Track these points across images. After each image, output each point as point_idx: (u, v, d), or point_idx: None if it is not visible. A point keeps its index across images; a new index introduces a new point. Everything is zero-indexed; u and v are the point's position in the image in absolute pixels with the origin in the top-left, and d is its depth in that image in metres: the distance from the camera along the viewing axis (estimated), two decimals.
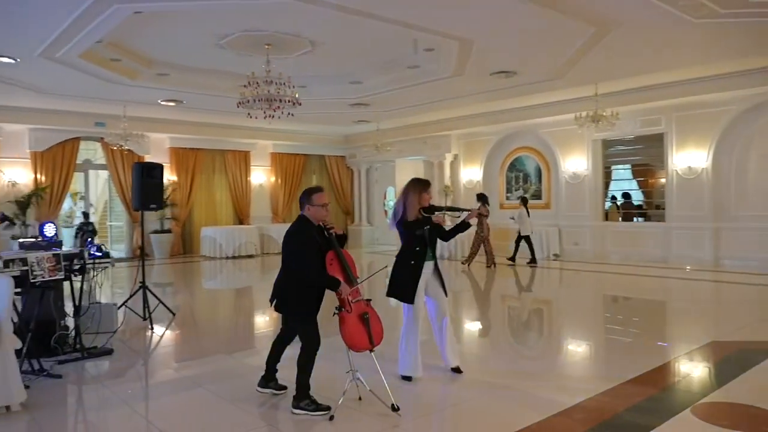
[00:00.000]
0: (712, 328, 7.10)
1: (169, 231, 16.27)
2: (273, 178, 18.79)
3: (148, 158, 16.04)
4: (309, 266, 4.10)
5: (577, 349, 6.49)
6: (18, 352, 4.99)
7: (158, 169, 7.45)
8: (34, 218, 14.20)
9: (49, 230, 6.14)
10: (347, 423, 3.99)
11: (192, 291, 11.36)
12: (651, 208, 14.53)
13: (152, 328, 7.06)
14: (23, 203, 13.80)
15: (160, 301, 7.80)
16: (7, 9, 6.49)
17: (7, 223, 5.44)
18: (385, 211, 19.32)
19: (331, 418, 4.02)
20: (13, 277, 4.84)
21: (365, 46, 9.07)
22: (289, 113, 8.90)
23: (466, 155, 16.90)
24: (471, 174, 16.75)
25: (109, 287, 11.07)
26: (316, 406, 4.10)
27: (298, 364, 4.19)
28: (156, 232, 16.01)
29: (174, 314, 7.84)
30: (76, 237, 15.08)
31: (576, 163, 14.27)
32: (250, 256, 16.20)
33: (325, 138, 19.19)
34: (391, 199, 19.06)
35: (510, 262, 13.40)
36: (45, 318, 5.87)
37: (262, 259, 16.09)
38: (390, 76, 10.61)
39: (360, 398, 4.31)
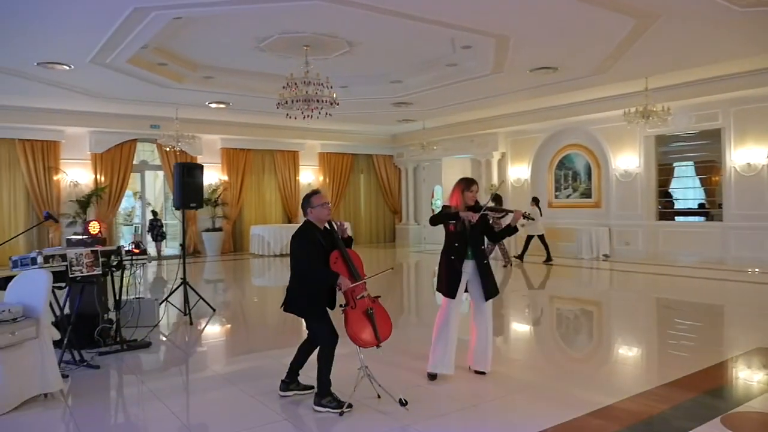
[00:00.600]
0: (762, 334, 6.71)
1: (220, 229, 16.77)
2: (321, 178, 19.04)
3: (200, 159, 16.61)
4: (308, 262, 4.20)
5: (619, 350, 6.34)
6: (59, 343, 5.32)
7: (198, 169, 7.69)
8: (94, 216, 14.94)
9: (94, 228, 6.42)
10: (361, 420, 4.02)
11: (239, 287, 11.67)
12: (714, 207, 13.85)
13: (191, 323, 7.30)
14: (84, 202, 14.54)
15: (201, 297, 8.05)
16: (58, 18, 6.86)
17: (52, 220, 5.69)
18: (432, 210, 19.23)
19: (341, 414, 4.07)
20: (54, 272, 5.15)
21: (402, 46, 9.07)
22: (327, 113, 9.00)
23: (513, 153, 16.61)
24: (519, 172, 16.45)
25: (162, 283, 11.53)
26: (338, 404, 4.15)
27: (318, 361, 4.26)
28: (207, 230, 16.54)
29: (214, 310, 8.07)
30: (149, 233, 15.81)
31: (627, 160, 13.78)
32: None
33: (373, 137, 19.29)
34: (438, 198, 18.97)
35: (518, 260, 13.76)
36: (88, 311, 6.21)
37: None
38: (430, 74, 10.57)
39: (379, 396, 4.33)
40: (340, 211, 19.30)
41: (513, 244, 14.72)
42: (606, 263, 13.35)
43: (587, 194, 14.94)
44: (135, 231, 18.12)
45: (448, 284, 4.76)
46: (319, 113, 8.88)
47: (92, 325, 6.02)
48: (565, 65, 9.52)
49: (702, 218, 14.05)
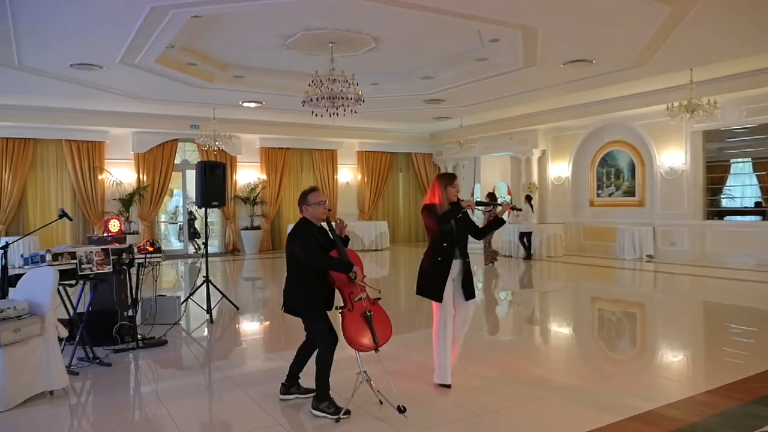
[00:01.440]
0: None
1: (258, 228, 16.95)
2: (359, 176, 19.00)
3: (239, 158, 16.89)
4: (314, 255, 4.07)
5: (662, 354, 6.07)
6: (77, 340, 5.40)
7: (220, 167, 7.70)
8: (136, 215, 15.37)
9: (114, 226, 6.52)
10: (358, 427, 3.90)
11: (276, 285, 11.68)
12: None
13: (211, 322, 7.32)
14: (126, 201, 14.96)
15: (224, 296, 8.09)
16: (83, 20, 7.01)
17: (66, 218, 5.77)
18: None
19: (338, 420, 3.94)
20: (68, 270, 5.23)
21: (429, 41, 8.87)
22: (352, 110, 8.90)
23: (554, 150, 16.11)
24: (559, 170, 15.94)
25: (194, 281, 11.69)
26: (335, 409, 4.03)
27: (316, 363, 4.15)
28: (246, 228, 16.74)
29: (237, 308, 8.09)
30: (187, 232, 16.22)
31: (673, 156, 13.11)
32: None
33: (411, 136, 19.10)
34: (478, 197, 18.60)
35: (528, 260, 14.02)
36: (105, 309, 6.32)
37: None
38: (459, 70, 10.31)
39: (381, 402, 4.19)
40: (378, 210, 19.22)
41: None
42: (650, 264, 12.75)
43: (630, 192, 14.32)
44: (179, 229, 18.59)
45: (438, 287, 4.53)
46: (344, 111, 8.78)
47: (110, 322, 6.10)
48: (601, 58, 9.08)
49: (759, 218, 13.24)
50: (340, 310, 4.15)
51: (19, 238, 6.47)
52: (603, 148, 14.94)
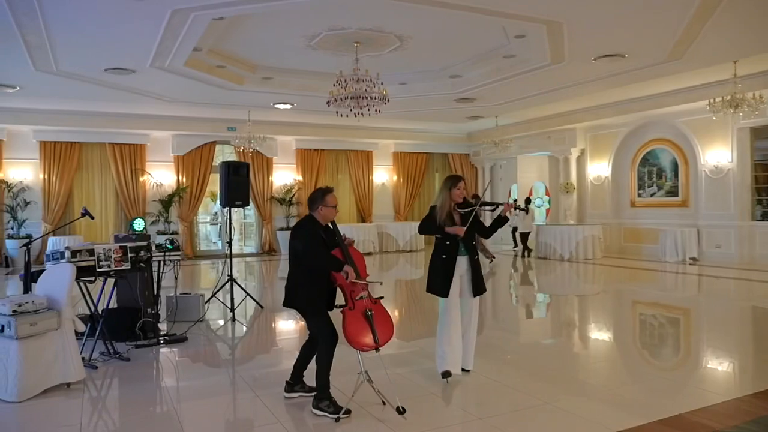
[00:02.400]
0: None
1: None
2: (395, 177, 18.96)
3: (276, 159, 17.12)
4: (313, 251, 4.06)
5: (700, 358, 5.86)
6: (98, 335, 5.56)
7: (244, 167, 7.80)
8: (176, 216, 15.77)
9: (138, 225, 6.68)
10: (357, 428, 3.86)
11: None
12: None
13: (234, 320, 7.41)
14: (166, 202, 15.36)
15: (248, 295, 8.18)
16: (111, 26, 7.22)
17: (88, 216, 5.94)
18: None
19: (337, 419, 3.91)
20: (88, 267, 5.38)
21: (453, 38, 8.76)
22: (377, 110, 8.87)
23: (593, 149, 15.67)
24: (599, 170, 15.49)
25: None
26: (335, 408, 4.00)
27: (315, 362, 4.14)
28: (282, 229, 16.93)
29: (262, 307, 8.17)
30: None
31: (718, 155, 12.54)
32: (368, 254, 16.49)
33: (447, 136, 18.94)
34: (515, 197, 18.28)
35: (527, 257, 14.72)
36: (129, 305, 6.48)
37: (381, 256, 16.31)
38: (488, 67, 10.14)
39: (384, 403, 4.13)
40: (414, 211, 19.13)
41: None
42: (693, 267, 12.22)
43: (673, 192, 13.77)
44: (220, 229, 18.99)
45: (442, 283, 4.63)
46: (369, 110, 8.76)
47: (133, 318, 6.25)
48: (633, 52, 8.75)
49: None
50: (342, 309, 4.12)
51: (37, 237, 6.68)
52: (644, 146, 14.43)
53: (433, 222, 4.67)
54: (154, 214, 15.29)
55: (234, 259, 7.80)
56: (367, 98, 8.68)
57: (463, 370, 4.79)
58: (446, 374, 4.62)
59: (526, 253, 14.91)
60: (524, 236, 15.12)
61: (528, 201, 16.12)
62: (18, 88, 10.44)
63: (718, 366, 5.54)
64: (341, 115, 8.91)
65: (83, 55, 8.34)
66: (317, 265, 4.09)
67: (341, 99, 8.64)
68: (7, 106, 12.74)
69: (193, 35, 7.47)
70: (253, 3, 6.54)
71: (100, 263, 5.30)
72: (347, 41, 8.71)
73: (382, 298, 4.33)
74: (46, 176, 14.42)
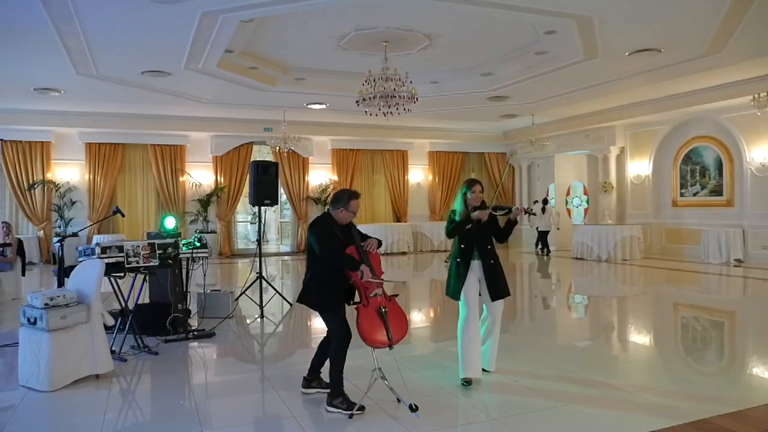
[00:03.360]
0: None
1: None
2: (430, 177, 18.90)
3: (311, 159, 17.31)
4: (329, 248, 4.08)
5: (742, 363, 5.68)
6: (130, 329, 5.74)
7: (273, 167, 7.91)
8: (214, 215, 16.12)
9: (170, 223, 6.85)
10: (369, 424, 3.86)
11: None
12: None
13: (262, 317, 7.53)
14: (204, 202, 15.72)
15: (277, 292, 8.30)
16: (145, 29, 7.45)
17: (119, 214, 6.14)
18: (545, 208, 18.23)
19: (351, 416, 3.94)
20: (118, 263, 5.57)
21: (483, 36, 8.68)
22: (406, 109, 8.87)
23: (633, 148, 15.26)
24: (639, 168, 15.08)
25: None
26: (348, 405, 4.02)
27: (329, 358, 4.18)
28: None
29: (291, 305, 8.27)
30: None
31: (765, 152, 12.03)
32: (403, 253, 16.50)
33: (483, 135, 18.76)
34: (553, 197, 17.96)
35: (546, 255, 15.42)
36: (160, 300, 6.67)
37: (415, 256, 16.29)
38: (520, 64, 9.99)
39: (399, 401, 4.13)
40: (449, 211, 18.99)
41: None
42: (738, 269, 11.77)
43: (717, 191, 13.28)
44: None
45: (454, 286, 4.64)
46: (398, 109, 8.76)
47: (164, 314, 6.43)
48: (669, 46, 8.48)
49: None
50: (356, 306, 4.14)
51: (69, 234, 6.92)
52: (686, 144, 13.97)
53: (458, 220, 4.61)
54: (193, 213, 15.68)
55: (271, 258, 7.88)
56: (396, 97, 8.68)
57: (483, 370, 4.74)
58: (466, 382, 4.56)
59: (545, 252, 15.65)
60: (543, 235, 15.84)
61: (546, 201, 16.43)
62: (62, 92, 10.86)
63: (759, 371, 5.33)
64: (370, 115, 8.93)
65: (120, 58, 8.63)
66: (332, 262, 4.11)
67: (370, 98, 8.67)
68: (54, 109, 13.31)
69: (223, 37, 7.64)
70: (280, 4, 6.63)
71: (129, 259, 5.47)
72: (376, 41, 8.73)
73: (397, 296, 4.33)
74: (91, 176, 14.97)
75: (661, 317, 8.02)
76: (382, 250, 14.15)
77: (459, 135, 18.44)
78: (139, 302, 6.66)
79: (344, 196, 4.21)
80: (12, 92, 10.89)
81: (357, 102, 8.90)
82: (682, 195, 14.17)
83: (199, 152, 16.06)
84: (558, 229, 16.54)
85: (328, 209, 4.33)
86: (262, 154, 17.40)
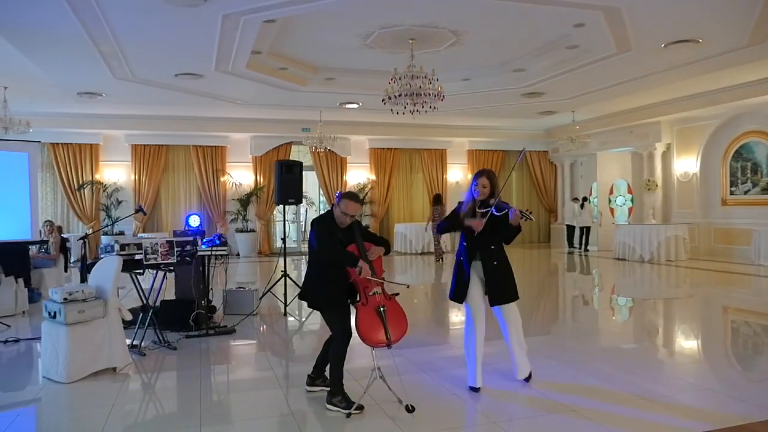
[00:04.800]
0: None
1: (367, 227, 17.26)
2: (470, 176, 18.66)
3: (349, 159, 17.39)
4: (326, 245, 4.07)
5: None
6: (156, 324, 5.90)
7: (297, 166, 7.98)
8: (254, 214, 16.42)
9: (194, 221, 7.02)
10: (366, 424, 3.84)
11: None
12: None
13: (285, 315, 7.60)
14: (244, 201, 16.04)
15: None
16: (172, 33, 7.64)
17: (142, 212, 6.32)
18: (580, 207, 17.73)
19: (348, 415, 3.92)
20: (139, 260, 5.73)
21: (510, 31, 8.49)
22: (433, 107, 8.78)
23: (679, 144, 14.63)
24: (686, 166, 14.46)
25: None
26: (347, 404, 4.01)
27: (329, 357, 4.18)
28: None
29: None
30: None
31: None
32: (433, 253, 16.36)
33: (524, 132, 18.39)
34: (596, 197, 17.45)
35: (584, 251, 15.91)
36: (185, 298, 6.84)
37: (451, 256, 16.11)
38: (551, 59, 9.72)
39: (400, 401, 4.09)
40: None
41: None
42: None
43: None
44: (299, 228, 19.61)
45: (455, 288, 4.46)
46: (424, 107, 8.69)
47: (188, 310, 6.58)
48: (708, 36, 8.05)
49: None
50: (355, 304, 4.13)
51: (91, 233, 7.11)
52: (737, 139, 13.29)
53: (454, 217, 4.47)
54: (233, 213, 16.02)
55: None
56: (422, 95, 8.60)
57: (525, 379, 4.57)
58: (473, 389, 4.42)
59: (584, 248, 16.14)
60: (583, 231, 16.25)
61: (585, 198, 16.68)
62: (104, 95, 11.28)
63: None
64: (397, 113, 8.88)
65: (153, 61, 8.90)
66: (331, 259, 4.10)
67: (395, 96, 8.62)
68: (102, 113, 13.86)
69: (247, 38, 7.75)
70: (298, 4, 6.66)
71: (147, 256, 5.62)
72: (402, 39, 8.68)
73: (397, 294, 4.28)
74: (136, 177, 15.51)
75: (704, 321, 7.63)
76: (419, 248, 14.04)
77: (499, 133, 18.15)
78: (165, 299, 6.89)
79: (350, 199, 4.15)
80: (58, 97, 11.38)
81: (383, 100, 8.86)
82: (731, 193, 13.49)
83: (239, 153, 16.38)
84: (600, 225, 16.10)
85: (330, 208, 4.32)
86: (300, 154, 17.60)
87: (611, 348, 6.21)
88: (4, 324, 6.91)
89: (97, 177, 15.24)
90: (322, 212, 14.81)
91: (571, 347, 6.08)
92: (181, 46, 8.13)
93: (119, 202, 15.26)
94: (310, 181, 18.92)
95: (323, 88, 11.27)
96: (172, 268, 5.94)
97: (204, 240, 6.57)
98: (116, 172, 15.56)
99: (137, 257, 5.62)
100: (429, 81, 8.53)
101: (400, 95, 8.59)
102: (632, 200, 16.28)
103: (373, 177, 17.56)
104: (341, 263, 4.08)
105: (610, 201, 16.71)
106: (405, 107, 8.69)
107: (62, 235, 10.00)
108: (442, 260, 14.34)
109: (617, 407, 4.05)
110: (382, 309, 4.08)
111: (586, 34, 8.27)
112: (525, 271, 12.63)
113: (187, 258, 5.92)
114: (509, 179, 19.06)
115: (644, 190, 14.75)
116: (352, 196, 4.20)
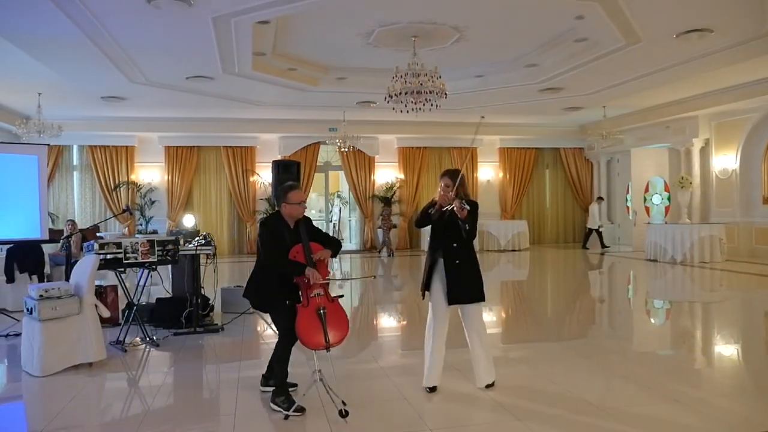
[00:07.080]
0: None
1: (395, 226, 17.24)
2: (501, 174, 18.34)
3: (377, 158, 17.39)
4: (272, 255, 4.06)
5: None
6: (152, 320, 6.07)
7: (294, 166, 8.05)
8: None
9: (189, 221, 7.17)
10: (300, 426, 3.84)
11: (394, 283, 11.73)
12: None
13: None
14: (270, 202, 16.28)
15: None
16: (174, 36, 7.82)
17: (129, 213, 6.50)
18: (627, 208, 17.08)
19: (286, 417, 3.90)
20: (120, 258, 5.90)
21: (513, 25, 8.26)
22: (436, 105, 8.66)
23: (718, 139, 13.89)
24: (725, 162, 13.71)
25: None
26: (289, 405, 4.00)
27: (272, 356, 4.19)
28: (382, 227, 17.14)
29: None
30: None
31: None
32: None
33: (557, 129, 17.89)
34: (630, 194, 16.78)
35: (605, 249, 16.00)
36: (179, 295, 7.01)
37: (480, 255, 15.78)
38: (562, 54, 9.39)
39: (343, 403, 4.04)
40: (522, 209, 18.39)
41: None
42: None
43: None
44: (334, 227, 19.76)
45: (423, 282, 4.38)
46: (425, 105, 8.57)
47: (182, 308, 6.74)
48: (719, 25, 7.56)
49: None
50: (296, 305, 4.09)
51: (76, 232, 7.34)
52: None
53: (425, 211, 4.34)
54: (262, 212, 16.29)
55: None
56: (422, 93, 8.49)
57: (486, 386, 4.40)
58: (429, 390, 4.36)
59: (603, 247, 16.32)
60: (592, 232, 16.54)
61: (600, 198, 17.28)
62: (126, 99, 11.68)
63: None
64: (399, 111, 8.80)
65: (161, 65, 9.14)
66: (275, 268, 4.09)
67: (396, 95, 8.55)
68: (135, 116, 14.37)
69: (244, 40, 7.84)
70: (285, 4, 6.65)
71: (127, 255, 5.77)
72: (404, 36, 8.60)
73: (341, 296, 4.23)
74: (169, 177, 16.03)
75: (738, 327, 7.19)
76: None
77: (530, 130, 17.73)
78: (160, 297, 7.09)
79: (281, 192, 4.17)
80: (86, 101, 11.86)
81: (386, 98, 8.80)
82: None
83: (268, 153, 16.62)
84: (635, 225, 15.50)
85: (277, 209, 4.30)
86: (329, 153, 17.74)
87: (648, 353, 5.95)
88: (14, 318, 7.26)
89: (132, 178, 15.84)
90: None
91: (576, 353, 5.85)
92: (182, 50, 8.32)
93: (152, 202, 15.79)
94: (341, 181, 19.07)
95: (336, 88, 11.30)
96: (155, 267, 6.06)
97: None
98: (150, 172, 16.12)
99: (119, 256, 5.78)
100: (431, 79, 8.41)
101: (401, 93, 8.51)
102: (669, 198, 15.55)
103: (401, 176, 17.49)
104: (288, 274, 4.05)
105: (645, 199, 16.02)
106: (405, 105, 8.59)
107: (98, 234, 10.46)
108: (392, 256, 14.50)
109: (650, 409, 3.88)
110: (322, 311, 4.03)
111: (589, 26, 7.94)
112: (538, 273, 12.28)
113: (168, 257, 6.04)
114: (544, 176, 18.73)
115: (677, 188, 14.07)
116: (289, 187, 4.19)
